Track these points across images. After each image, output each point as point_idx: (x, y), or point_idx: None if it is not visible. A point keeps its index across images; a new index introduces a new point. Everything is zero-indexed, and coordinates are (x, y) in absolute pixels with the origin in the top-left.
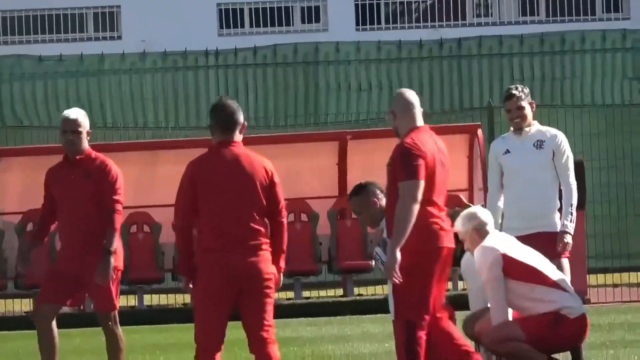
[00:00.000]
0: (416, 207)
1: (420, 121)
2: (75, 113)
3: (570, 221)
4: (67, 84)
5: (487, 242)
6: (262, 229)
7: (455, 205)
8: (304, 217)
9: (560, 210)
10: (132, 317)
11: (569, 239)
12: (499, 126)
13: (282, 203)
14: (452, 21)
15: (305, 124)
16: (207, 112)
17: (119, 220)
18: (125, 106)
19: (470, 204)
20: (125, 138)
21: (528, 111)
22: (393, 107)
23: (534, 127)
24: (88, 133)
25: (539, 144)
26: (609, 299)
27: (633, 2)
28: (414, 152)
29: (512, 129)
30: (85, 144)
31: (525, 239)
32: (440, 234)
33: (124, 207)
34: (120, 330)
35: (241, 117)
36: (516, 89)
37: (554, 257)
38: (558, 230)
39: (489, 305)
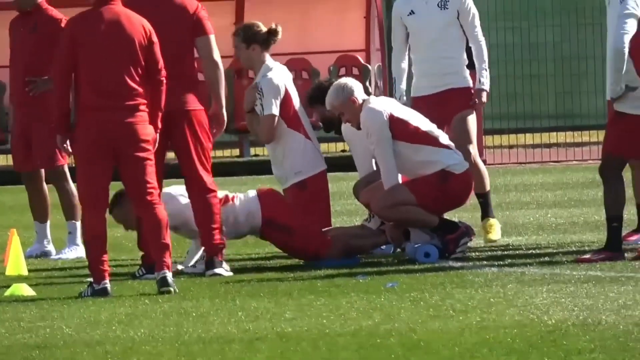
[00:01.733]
0: None
1: None
2: None
3: (485, 77)
4: None
5: (372, 104)
6: (141, 89)
7: (352, 65)
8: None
9: (469, 66)
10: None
11: (484, 96)
12: None
13: (161, 62)
14: None
15: None
16: None
17: None
18: None
19: (368, 65)
20: None
21: None
22: None
23: None
24: None
25: (443, 4)
26: (505, 161)
27: None
28: None
29: None
30: None
31: (437, 97)
32: None
33: None
34: (71, 186)
35: None
36: None
37: (463, 109)
38: (468, 85)
39: (375, 169)
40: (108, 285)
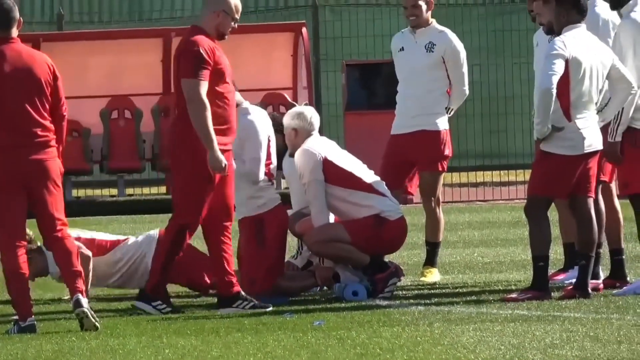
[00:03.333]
0: None
1: None
2: None
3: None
4: None
5: (308, 145)
6: (50, 125)
7: (279, 103)
8: (127, 114)
9: (446, 109)
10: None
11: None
12: (324, 25)
13: (63, 98)
14: None
15: (129, 20)
16: None
17: None
18: None
19: (295, 103)
20: None
21: (424, 10)
22: None
23: (431, 27)
24: None
25: (430, 47)
26: None
27: None
28: None
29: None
30: None
31: (407, 137)
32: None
33: None
34: None
35: (17, 14)
36: None
37: (430, 153)
38: (438, 129)
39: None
40: (34, 322)
